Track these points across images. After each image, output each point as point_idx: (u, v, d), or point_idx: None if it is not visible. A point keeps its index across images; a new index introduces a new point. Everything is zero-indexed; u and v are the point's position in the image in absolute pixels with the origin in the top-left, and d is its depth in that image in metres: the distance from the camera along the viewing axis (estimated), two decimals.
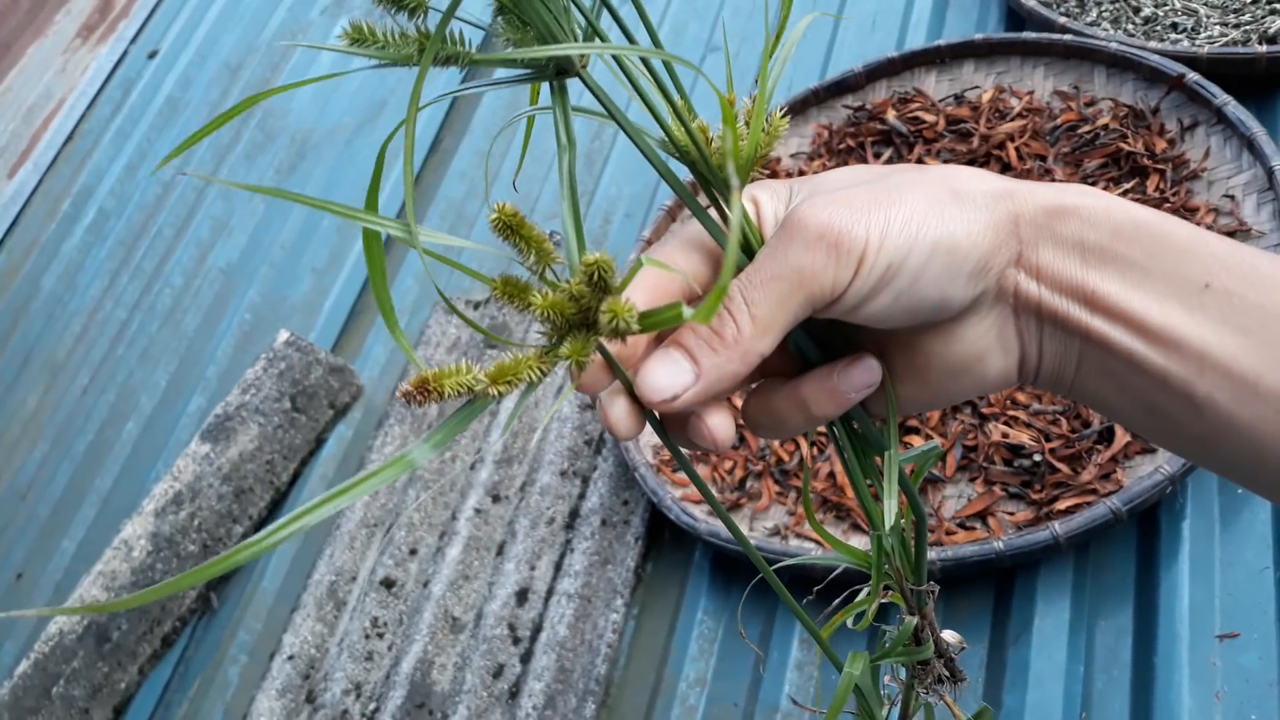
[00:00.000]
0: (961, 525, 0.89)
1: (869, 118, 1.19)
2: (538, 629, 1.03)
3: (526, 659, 1.02)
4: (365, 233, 0.31)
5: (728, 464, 1.01)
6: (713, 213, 0.33)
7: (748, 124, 0.32)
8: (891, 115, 1.18)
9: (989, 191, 0.31)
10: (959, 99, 1.17)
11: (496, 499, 1.15)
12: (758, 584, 0.97)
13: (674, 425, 0.33)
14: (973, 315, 0.32)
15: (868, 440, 0.36)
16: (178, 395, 1.45)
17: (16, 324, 1.72)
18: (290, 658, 1.12)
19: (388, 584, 1.13)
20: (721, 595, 0.98)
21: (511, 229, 0.29)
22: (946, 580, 0.86)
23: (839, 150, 1.18)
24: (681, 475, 1.00)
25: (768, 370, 0.35)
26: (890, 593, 0.41)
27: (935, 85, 1.20)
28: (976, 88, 1.18)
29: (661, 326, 0.29)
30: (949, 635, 0.43)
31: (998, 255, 0.31)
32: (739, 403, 0.35)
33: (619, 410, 0.31)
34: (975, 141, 1.12)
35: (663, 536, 1.04)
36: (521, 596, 1.06)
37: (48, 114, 1.97)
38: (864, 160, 1.17)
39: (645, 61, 0.32)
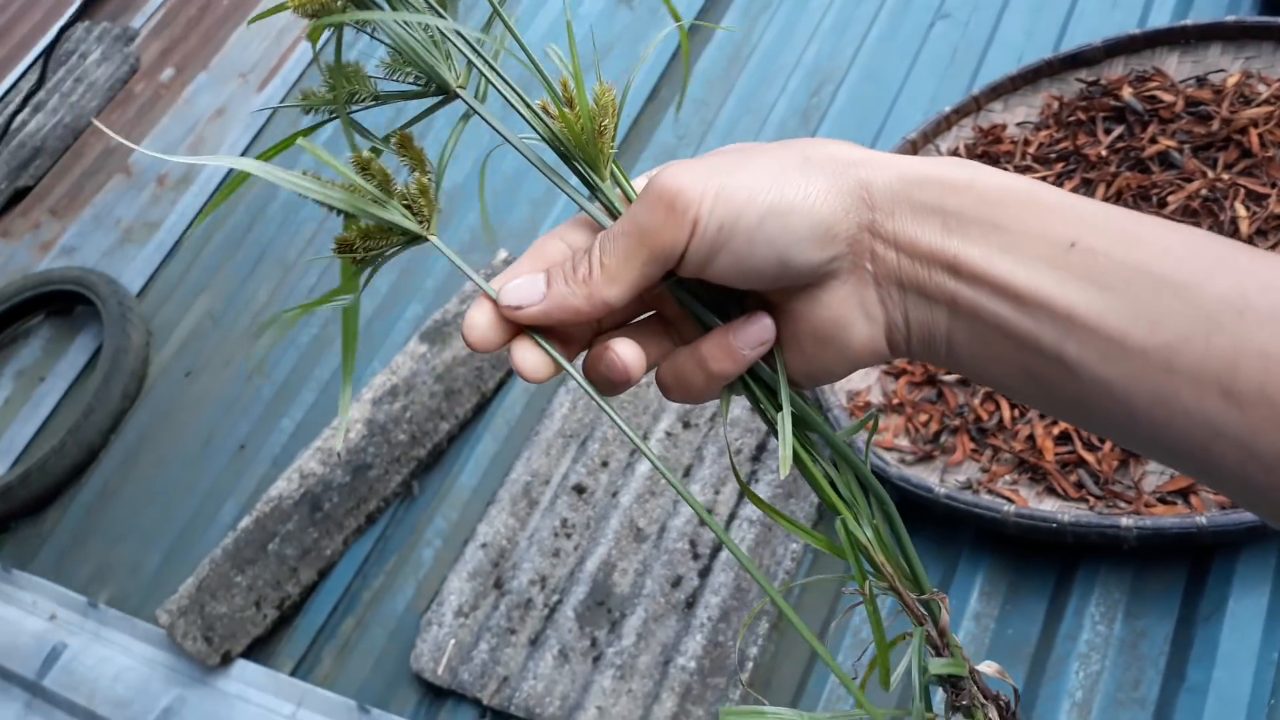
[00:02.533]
0: (1162, 500, 0.88)
1: (1103, 93, 1.17)
2: (718, 548, 1.09)
3: (705, 574, 1.08)
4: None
5: (923, 417, 1.03)
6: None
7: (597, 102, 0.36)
8: (1127, 92, 1.16)
9: (841, 158, 0.32)
10: (1201, 81, 1.14)
11: (687, 425, 1.21)
12: (941, 531, 1.00)
13: (590, 367, 0.37)
14: (832, 280, 0.33)
15: (803, 420, 0.36)
16: (395, 302, 1.57)
17: (254, 225, 1.89)
18: (483, 545, 1.22)
19: (579, 490, 1.21)
20: None
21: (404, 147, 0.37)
22: (1141, 550, 0.87)
23: (1068, 122, 1.17)
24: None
25: (678, 340, 0.37)
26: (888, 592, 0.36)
27: (1177, 66, 1.18)
28: (1221, 70, 1.14)
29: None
30: (987, 667, 0.38)
31: (842, 221, 0.31)
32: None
33: (525, 353, 0.35)
34: (1215, 125, 1.09)
35: None
36: None
37: (296, 36, 2.14)
38: (1094, 135, 1.16)
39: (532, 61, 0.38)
